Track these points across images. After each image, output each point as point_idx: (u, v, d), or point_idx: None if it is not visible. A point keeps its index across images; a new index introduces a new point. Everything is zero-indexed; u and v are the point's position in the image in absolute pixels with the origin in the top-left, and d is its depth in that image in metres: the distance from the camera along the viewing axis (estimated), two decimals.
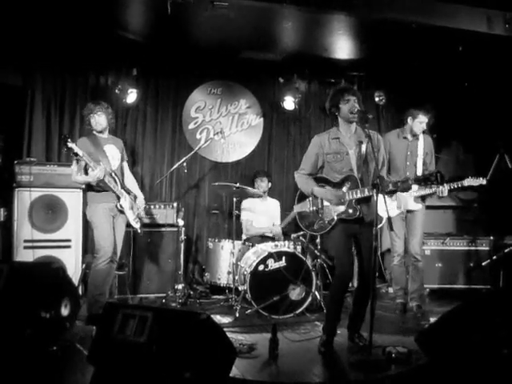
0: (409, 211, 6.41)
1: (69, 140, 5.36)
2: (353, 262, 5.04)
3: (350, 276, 4.90)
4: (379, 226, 5.86)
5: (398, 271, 6.54)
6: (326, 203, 4.86)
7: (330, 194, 4.78)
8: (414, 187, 6.04)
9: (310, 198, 4.98)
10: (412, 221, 6.42)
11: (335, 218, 4.77)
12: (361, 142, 4.80)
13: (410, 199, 6.34)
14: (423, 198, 6.42)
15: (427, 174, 4.36)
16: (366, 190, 4.62)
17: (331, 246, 5.04)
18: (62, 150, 6.34)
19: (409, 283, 6.50)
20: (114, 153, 5.95)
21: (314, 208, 4.93)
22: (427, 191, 6.26)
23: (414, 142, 6.46)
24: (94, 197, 5.73)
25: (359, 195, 4.65)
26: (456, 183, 6.23)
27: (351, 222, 4.76)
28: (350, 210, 4.71)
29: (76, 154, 5.42)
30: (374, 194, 4.48)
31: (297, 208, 5.13)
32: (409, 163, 6.40)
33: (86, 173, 5.62)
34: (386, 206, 4.42)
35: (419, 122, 6.36)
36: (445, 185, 6.12)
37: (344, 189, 4.74)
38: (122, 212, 5.81)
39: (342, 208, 4.74)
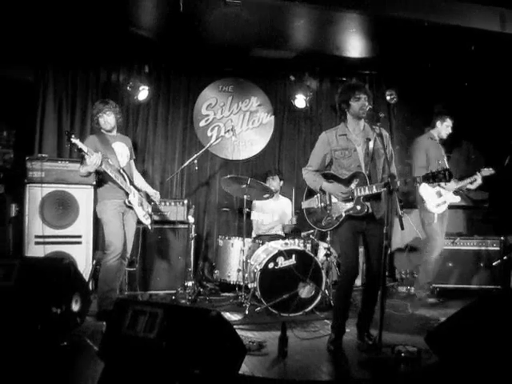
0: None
1: (72, 136, 5.35)
2: (358, 260, 4.99)
3: (355, 273, 4.85)
4: (435, 221, 6.63)
5: (433, 265, 6.79)
6: (334, 200, 4.85)
7: (338, 189, 4.76)
8: (451, 185, 6.67)
9: (318, 195, 4.97)
10: (444, 216, 6.82)
11: (343, 214, 4.75)
12: (368, 140, 4.79)
13: (451, 193, 6.74)
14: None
15: (435, 172, 4.34)
16: (375, 186, 4.60)
17: (338, 242, 5.03)
18: (66, 146, 6.36)
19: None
20: (122, 150, 5.99)
21: (322, 204, 4.92)
22: (465, 182, 6.81)
23: (439, 144, 6.87)
24: (104, 193, 5.77)
25: (367, 192, 4.62)
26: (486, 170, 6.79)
27: (359, 218, 4.74)
28: (358, 207, 4.69)
29: (80, 150, 5.42)
30: (383, 192, 4.52)
31: (305, 204, 5.11)
32: (440, 162, 6.66)
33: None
34: (397, 205, 4.39)
35: (447, 125, 6.80)
36: (478, 173, 6.73)
37: (352, 186, 4.72)
38: (131, 208, 5.84)
39: (350, 205, 4.73)
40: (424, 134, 6.96)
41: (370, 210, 4.72)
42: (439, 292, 7.18)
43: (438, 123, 6.82)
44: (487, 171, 6.79)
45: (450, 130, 6.84)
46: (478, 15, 6.37)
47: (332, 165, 4.94)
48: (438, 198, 6.70)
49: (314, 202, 5.01)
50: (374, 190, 4.60)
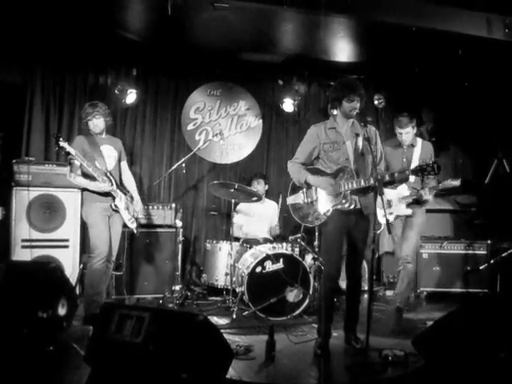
0: (406, 216, 6.24)
1: (60, 139, 5.35)
2: (340, 261, 4.95)
3: (337, 273, 4.83)
4: (378, 232, 6.12)
5: (402, 275, 6.31)
6: (320, 194, 4.82)
7: (325, 181, 4.73)
8: (411, 179, 5.74)
9: (304, 190, 4.94)
10: (406, 225, 6.26)
11: (331, 209, 4.72)
12: (357, 135, 4.79)
13: (401, 205, 6.21)
14: (418, 203, 6.20)
15: (424, 165, 4.31)
16: (362, 181, 4.57)
17: (322, 240, 4.99)
18: (54, 149, 6.32)
19: (397, 284, 6.33)
20: (110, 153, 5.95)
21: (309, 200, 4.88)
22: (412, 196, 6.12)
23: (410, 149, 6.28)
24: (90, 196, 5.73)
25: (355, 186, 4.60)
26: (434, 187, 6.04)
27: (347, 213, 4.73)
28: (346, 202, 4.66)
29: (68, 153, 5.41)
30: (372, 190, 4.48)
31: (290, 200, 5.08)
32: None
33: (82, 173, 5.65)
34: (385, 210, 4.40)
35: (398, 132, 6.24)
36: (426, 189, 6.01)
37: (339, 180, 4.70)
38: (117, 212, 5.82)
39: (337, 199, 4.70)
40: (388, 140, 6.55)
41: (359, 206, 4.72)
42: (426, 296, 7.22)
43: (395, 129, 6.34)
44: (450, 183, 6.05)
45: (404, 138, 6.20)
46: (466, 20, 6.41)
47: (318, 159, 4.93)
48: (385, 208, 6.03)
49: (299, 198, 4.99)
50: (362, 184, 4.57)
